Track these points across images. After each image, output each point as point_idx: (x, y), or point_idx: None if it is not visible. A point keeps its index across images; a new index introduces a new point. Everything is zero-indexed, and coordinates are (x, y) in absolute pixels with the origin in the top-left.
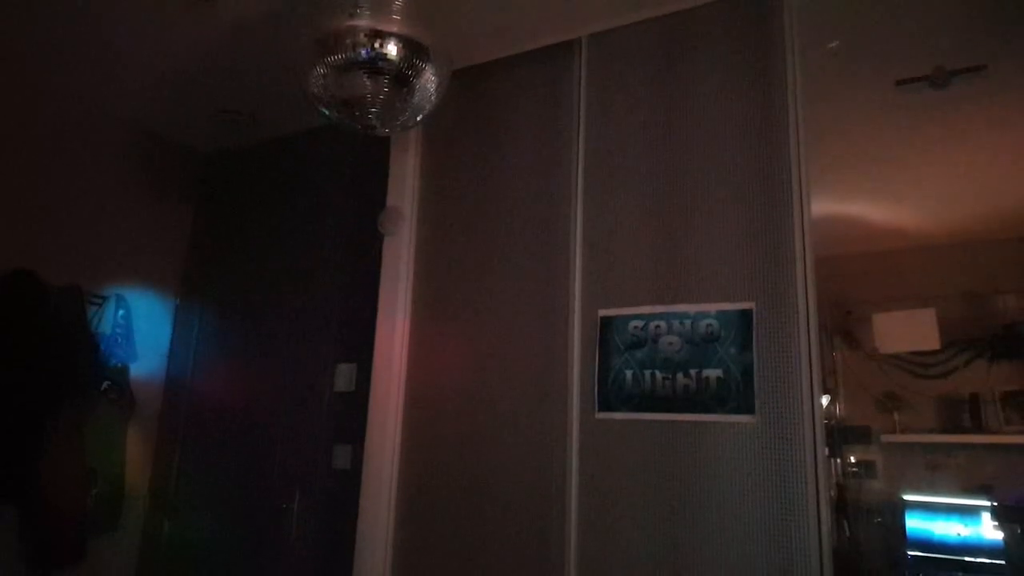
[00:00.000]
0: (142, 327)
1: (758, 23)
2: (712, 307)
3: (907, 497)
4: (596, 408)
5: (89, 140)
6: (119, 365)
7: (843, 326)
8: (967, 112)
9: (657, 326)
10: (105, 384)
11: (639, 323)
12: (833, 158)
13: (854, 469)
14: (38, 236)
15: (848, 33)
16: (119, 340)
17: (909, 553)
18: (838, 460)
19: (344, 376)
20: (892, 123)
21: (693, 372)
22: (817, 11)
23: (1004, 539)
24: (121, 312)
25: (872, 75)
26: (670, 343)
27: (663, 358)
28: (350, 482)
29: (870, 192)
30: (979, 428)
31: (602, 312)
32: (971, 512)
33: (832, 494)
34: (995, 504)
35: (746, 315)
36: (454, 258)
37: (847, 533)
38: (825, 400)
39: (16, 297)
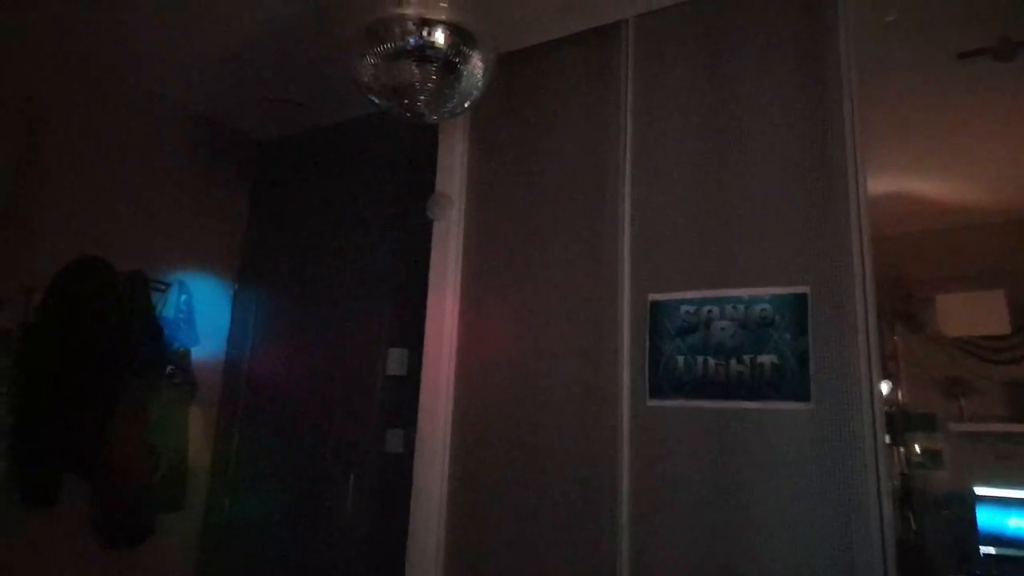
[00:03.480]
0: (203, 312)
1: None
2: (765, 291)
3: (978, 490)
4: (647, 395)
5: (151, 131)
6: (181, 349)
7: (904, 309)
8: None
9: (709, 311)
10: (169, 368)
11: (690, 308)
12: (891, 134)
13: (919, 459)
14: (106, 224)
15: (906, 4)
16: (181, 325)
17: (981, 549)
18: (901, 449)
19: (396, 360)
20: (954, 97)
21: (747, 358)
22: None
23: None
24: (184, 297)
25: (932, 48)
26: (723, 328)
27: (716, 343)
28: (403, 466)
29: (931, 168)
30: None
31: (652, 296)
32: None
33: (895, 484)
34: None
35: (801, 299)
36: (502, 242)
37: (913, 526)
38: (885, 386)
39: (87, 282)
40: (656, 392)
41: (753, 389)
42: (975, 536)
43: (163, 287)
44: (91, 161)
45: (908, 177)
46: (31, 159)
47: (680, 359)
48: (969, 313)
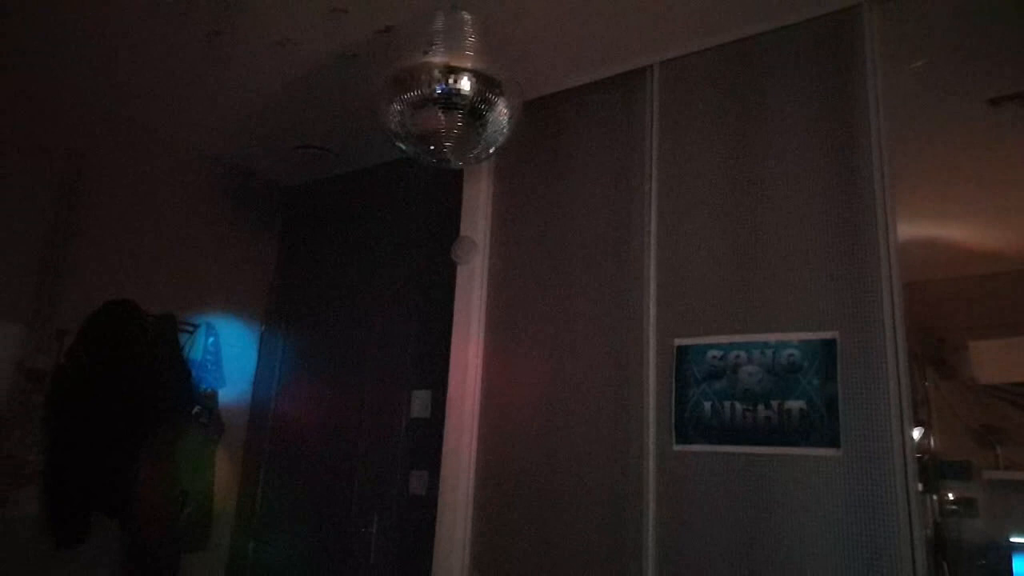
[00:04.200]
0: (230, 354)
1: (836, 43)
2: (794, 336)
3: (1014, 539)
4: (674, 440)
5: (182, 178)
6: (209, 391)
7: (936, 354)
8: None
9: (736, 356)
10: (196, 409)
11: (717, 352)
12: (921, 179)
13: (953, 507)
14: (138, 267)
15: (934, 50)
16: (209, 366)
17: None
18: (934, 497)
19: (420, 402)
20: (985, 143)
21: (775, 404)
22: (900, 29)
23: None
24: (211, 339)
25: (962, 94)
26: (750, 373)
27: (743, 389)
28: (426, 508)
29: (962, 214)
30: None
31: (678, 341)
32: None
33: (928, 533)
34: None
35: (829, 345)
36: (526, 286)
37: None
38: (917, 433)
39: (118, 325)
40: (682, 437)
41: (781, 435)
42: None
43: (191, 329)
44: (124, 207)
45: (939, 223)
46: (71, 206)
47: (707, 404)
48: (1003, 359)
